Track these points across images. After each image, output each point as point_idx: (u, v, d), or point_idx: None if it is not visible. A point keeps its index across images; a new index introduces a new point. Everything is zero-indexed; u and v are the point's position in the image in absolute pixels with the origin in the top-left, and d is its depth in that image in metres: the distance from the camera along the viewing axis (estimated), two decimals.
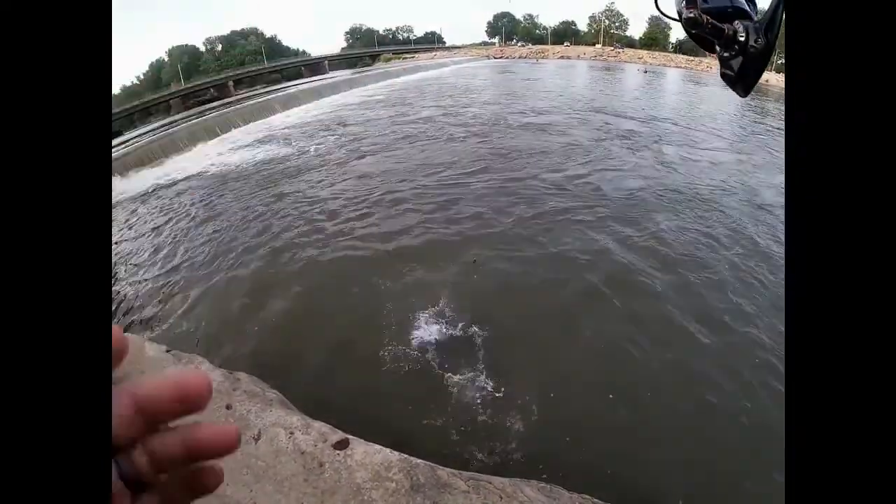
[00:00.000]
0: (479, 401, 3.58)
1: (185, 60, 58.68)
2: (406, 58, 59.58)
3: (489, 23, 79.03)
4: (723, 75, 0.92)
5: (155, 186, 12.46)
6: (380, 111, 19.60)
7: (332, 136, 15.42)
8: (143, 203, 11.23)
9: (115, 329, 0.30)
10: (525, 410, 3.47)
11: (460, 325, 4.32)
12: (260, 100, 26.21)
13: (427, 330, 4.32)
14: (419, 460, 2.23)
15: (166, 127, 22.96)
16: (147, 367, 3.23)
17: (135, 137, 21.99)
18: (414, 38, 77.85)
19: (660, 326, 4.46)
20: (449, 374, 3.80)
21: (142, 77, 61.86)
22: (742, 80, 0.88)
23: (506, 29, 74.81)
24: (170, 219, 9.45)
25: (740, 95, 0.93)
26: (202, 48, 63.50)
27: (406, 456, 2.23)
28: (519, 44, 68.00)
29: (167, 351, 3.33)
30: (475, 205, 7.57)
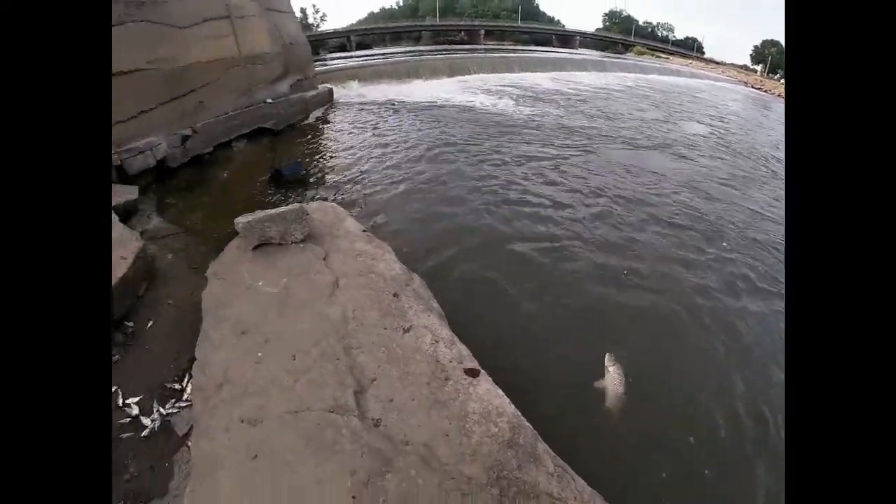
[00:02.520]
0: None
1: None
2: (660, 56, 54.75)
3: (756, 47, 67.33)
4: None
5: (391, 101, 14.95)
6: (627, 104, 18.62)
7: (568, 110, 15.62)
8: (375, 111, 13.65)
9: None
10: None
11: None
12: (506, 55, 27.43)
13: None
14: (528, 424, 2.39)
15: (412, 54, 25.88)
16: (342, 235, 3.98)
17: (382, 54, 25.58)
18: (672, 38, 70.78)
19: None
20: None
21: (401, 3, 69.30)
22: None
23: (772, 60, 62.71)
24: (397, 129, 11.29)
25: None
26: None
27: (520, 413, 2.41)
28: (782, 80, 56.69)
29: (363, 230, 4.04)
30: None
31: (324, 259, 3.54)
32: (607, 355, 3.56)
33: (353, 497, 2.03)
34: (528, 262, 5.39)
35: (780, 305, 5.31)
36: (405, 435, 2.29)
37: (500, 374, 2.71)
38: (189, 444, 2.84)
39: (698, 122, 17.21)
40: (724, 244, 6.69)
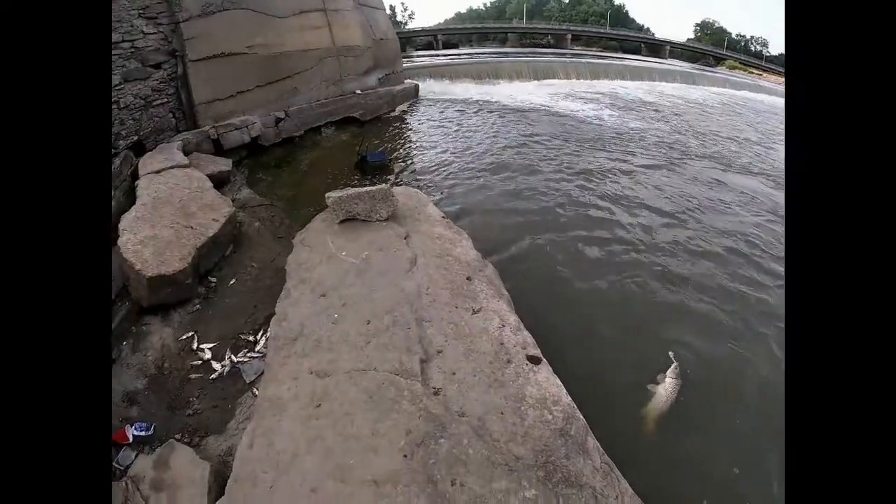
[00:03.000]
0: None
1: (532, 1, 62.80)
2: (753, 72, 50.57)
3: None
4: None
5: (475, 100, 15.47)
6: (717, 120, 17.59)
7: (654, 122, 15.09)
8: (459, 109, 14.14)
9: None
10: None
11: None
12: (592, 61, 26.86)
13: None
14: (582, 417, 2.45)
15: (498, 55, 26.04)
16: (423, 219, 4.20)
17: (468, 54, 25.98)
18: (767, 54, 64.86)
19: None
20: None
21: (488, 4, 69.57)
22: None
23: None
24: (480, 127, 11.62)
25: None
26: None
27: (575, 406, 2.47)
28: None
29: (443, 216, 4.24)
30: None
31: (405, 238, 3.79)
32: (671, 367, 3.50)
33: (405, 455, 2.20)
34: (598, 262, 5.50)
35: None
36: (462, 407, 2.43)
37: (559, 365, 2.77)
38: (255, 390, 3.17)
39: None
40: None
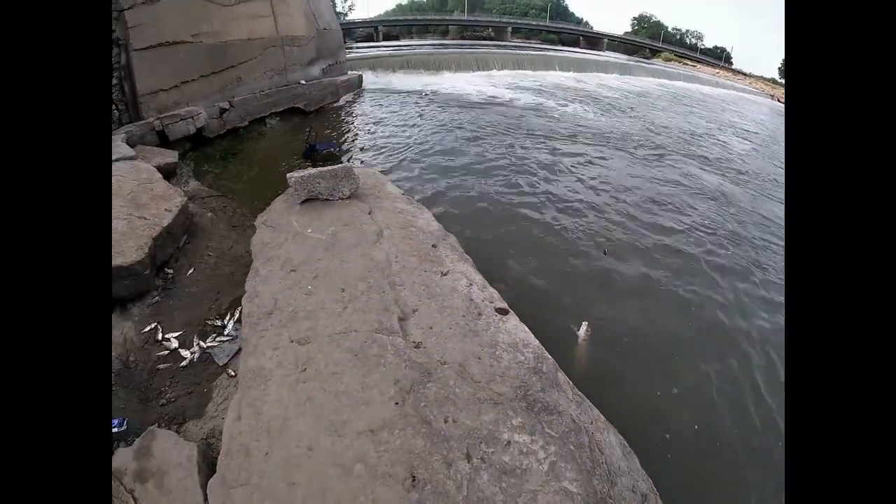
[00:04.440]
0: None
1: None
2: (687, 64, 54.30)
3: (784, 61, 65.97)
4: None
5: (418, 90, 15.95)
6: (647, 106, 18.85)
7: (589, 107, 15.91)
8: (403, 98, 14.49)
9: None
10: None
11: None
12: (532, 52, 27.69)
13: None
14: (550, 357, 2.67)
15: (439, 47, 26.27)
16: (384, 196, 4.29)
17: (409, 45, 26.04)
18: (702, 46, 69.88)
19: None
20: None
21: None
22: None
23: None
24: (424, 116, 11.94)
25: None
26: None
27: (543, 347, 2.69)
28: None
29: (402, 194, 4.35)
30: None
31: (369, 213, 3.85)
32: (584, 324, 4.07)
33: (396, 403, 2.32)
34: (535, 233, 6.19)
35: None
36: (442, 356, 2.58)
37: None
38: (230, 372, 3.15)
39: (719, 129, 17.32)
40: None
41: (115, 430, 2.69)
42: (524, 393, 2.43)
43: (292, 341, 2.72)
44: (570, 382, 2.66)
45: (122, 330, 3.55)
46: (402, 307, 2.86)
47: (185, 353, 3.39)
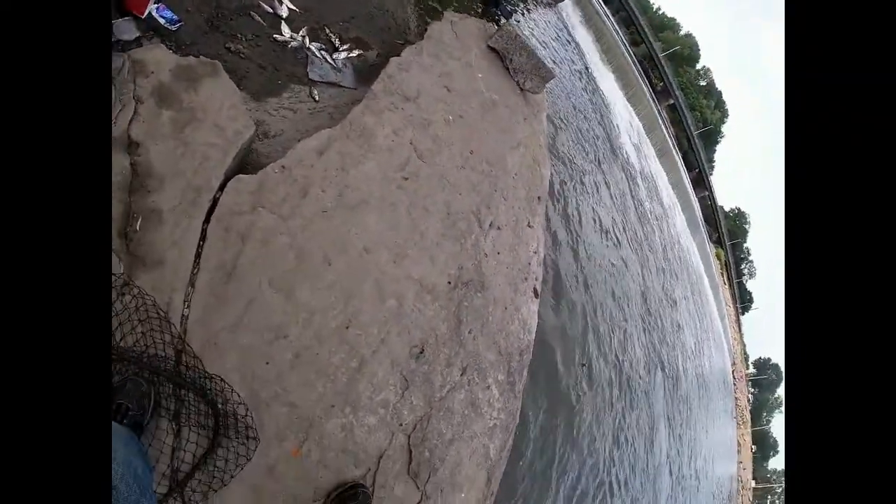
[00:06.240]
0: None
1: None
2: None
3: None
4: None
5: None
6: None
7: None
8: None
9: None
10: None
11: None
12: None
13: None
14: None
15: None
16: (537, 122, 4.03)
17: None
18: None
19: None
20: None
21: None
22: None
23: None
24: None
25: None
26: None
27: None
28: None
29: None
30: None
31: (524, 120, 3.60)
32: None
33: (450, 283, 2.30)
34: None
35: None
36: (495, 280, 2.56)
37: None
38: (314, 94, 2.70)
39: None
40: None
41: (165, 18, 2.03)
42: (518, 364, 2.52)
43: (412, 143, 2.49)
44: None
45: None
46: (495, 218, 2.77)
47: (286, 30, 2.85)
